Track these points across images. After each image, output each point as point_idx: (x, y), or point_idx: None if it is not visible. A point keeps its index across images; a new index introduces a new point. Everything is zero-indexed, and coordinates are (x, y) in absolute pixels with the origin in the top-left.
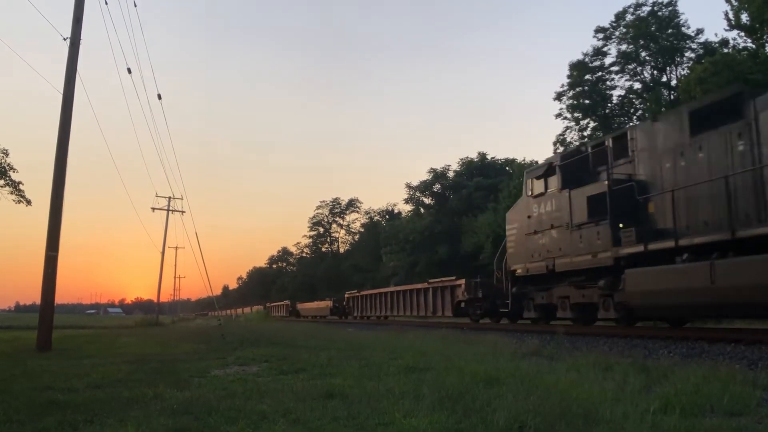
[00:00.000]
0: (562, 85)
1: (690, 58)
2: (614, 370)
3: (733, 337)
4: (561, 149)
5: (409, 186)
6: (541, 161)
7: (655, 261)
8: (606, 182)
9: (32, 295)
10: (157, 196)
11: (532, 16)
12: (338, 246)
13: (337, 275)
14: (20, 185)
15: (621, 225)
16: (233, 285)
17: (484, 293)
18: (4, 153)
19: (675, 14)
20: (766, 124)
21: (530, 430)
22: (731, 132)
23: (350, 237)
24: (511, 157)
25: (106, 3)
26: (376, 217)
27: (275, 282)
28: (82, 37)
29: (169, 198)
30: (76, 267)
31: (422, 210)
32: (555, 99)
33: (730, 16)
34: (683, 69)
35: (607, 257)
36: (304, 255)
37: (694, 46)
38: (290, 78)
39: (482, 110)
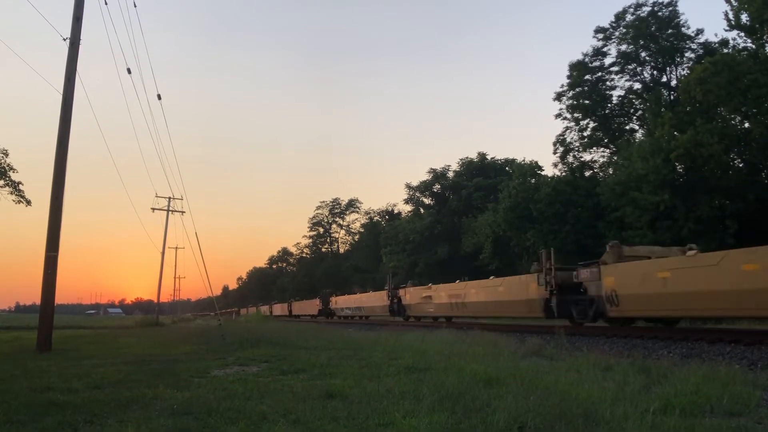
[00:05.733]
0: (562, 86)
1: (690, 59)
2: (614, 371)
3: (733, 337)
4: (561, 149)
5: (409, 186)
6: (540, 162)
7: None
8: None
9: (32, 295)
10: (157, 197)
11: (533, 16)
12: (338, 246)
13: (337, 275)
14: (20, 185)
15: None
16: (233, 285)
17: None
18: (4, 153)
19: (675, 14)
20: None
21: (530, 431)
22: None
23: (350, 237)
24: (511, 157)
25: (106, 3)
26: (376, 218)
27: (275, 282)
28: (81, 37)
29: (169, 198)
30: (76, 267)
31: (422, 210)
32: (555, 99)
33: (730, 16)
34: (683, 69)
35: None
36: (304, 255)
37: (694, 46)
38: (290, 78)
39: (482, 110)
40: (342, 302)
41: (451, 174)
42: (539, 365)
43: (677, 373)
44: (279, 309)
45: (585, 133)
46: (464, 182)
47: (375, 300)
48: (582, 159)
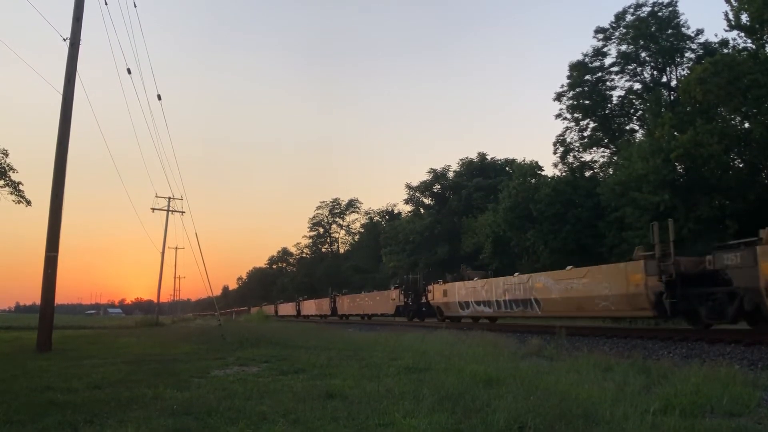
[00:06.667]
0: (562, 86)
1: (690, 59)
2: (614, 371)
3: (733, 337)
4: (561, 149)
5: (409, 186)
6: (540, 162)
7: None
8: None
9: (32, 295)
10: (157, 197)
11: (533, 16)
12: (338, 246)
13: (337, 275)
14: (20, 185)
15: None
16: (233, 285)
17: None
18: (4, 153)
19: (675, 14)
20: None
21: (530, 431)
22: None
23: (350, 237)
24: (511, 157)
25: (106, 3)
26: (376, 218)
27: (275, 282)
28: (81, 38)
29: (169, 198)
30: (76, 267)
31: (422, 210)
32: (555, 99)
33: (730, 16)
34: (683, 69)
35: None
36: (304, 255)
37: (694, 46)
38: (290, 78)
39: (482, 110)
40: (468, 293)
41: (451, 174)
42: (539, 365)
43: (677, 373)
44: (312, 307)
45: (585, 133)
46: (464, 182)
47: (594, 284)
48: (582, 159)
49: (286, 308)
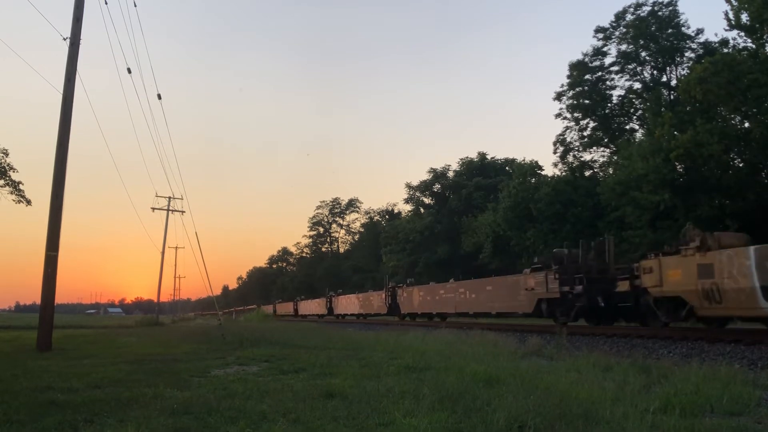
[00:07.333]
0: (562, 85)
1: (690, 58)
2: (614, 371)
3: (733, 337)
4: (561, 149)
5: (409, 186)
6: (540, 162)
7: None
8: None
9: (32, 295)
10: (157, 196)
11: (533, 15)
12: (338, 246)
13: (337, 275)
14: (20, 185)
15: None
16: (233, 285)
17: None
18: (4, 153)
19: (675, 14)
20: None
21: (530, 430)
22: None
23: (350, 237)
24: (511, 157)
25: (106, 3)
26: (376, 217)
27: (275, 282)
28: (81, 37)
29: (169, 198)
30: (76, 267)
31: (422, 210)
32: (555, 99)
33: (730, 16)
34: (683, 69)
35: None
36: (304, 255)
37: (694, 45)
38: (290, 77)
39: (482, 110)
40: None
41: (451, 174)
42: (539, 365)
43: (677, 372)
44: (354, 304)
45: (585, 133)
46: (464, 182)
47: None
48: (582, 159)
49: (309, 306)
